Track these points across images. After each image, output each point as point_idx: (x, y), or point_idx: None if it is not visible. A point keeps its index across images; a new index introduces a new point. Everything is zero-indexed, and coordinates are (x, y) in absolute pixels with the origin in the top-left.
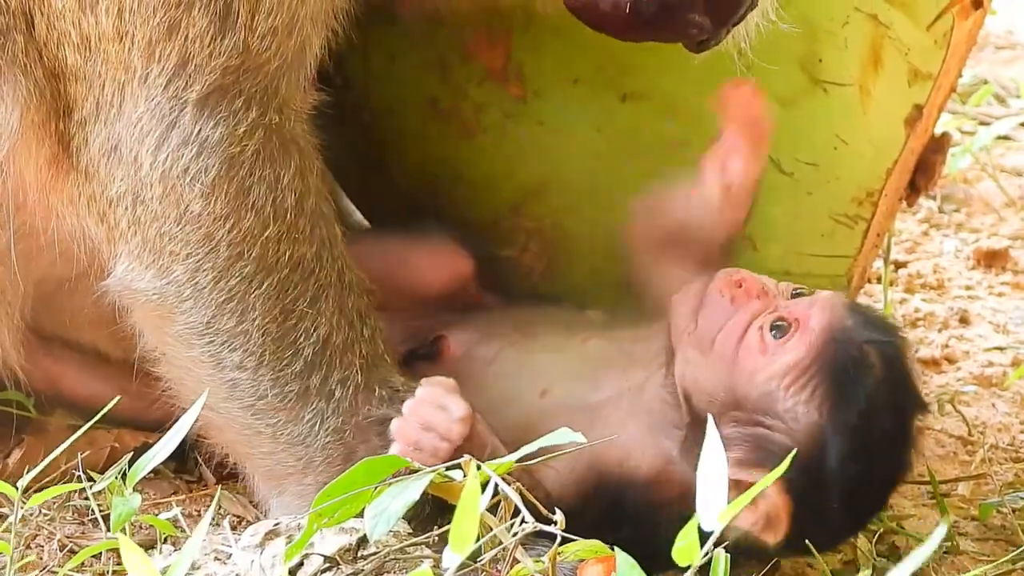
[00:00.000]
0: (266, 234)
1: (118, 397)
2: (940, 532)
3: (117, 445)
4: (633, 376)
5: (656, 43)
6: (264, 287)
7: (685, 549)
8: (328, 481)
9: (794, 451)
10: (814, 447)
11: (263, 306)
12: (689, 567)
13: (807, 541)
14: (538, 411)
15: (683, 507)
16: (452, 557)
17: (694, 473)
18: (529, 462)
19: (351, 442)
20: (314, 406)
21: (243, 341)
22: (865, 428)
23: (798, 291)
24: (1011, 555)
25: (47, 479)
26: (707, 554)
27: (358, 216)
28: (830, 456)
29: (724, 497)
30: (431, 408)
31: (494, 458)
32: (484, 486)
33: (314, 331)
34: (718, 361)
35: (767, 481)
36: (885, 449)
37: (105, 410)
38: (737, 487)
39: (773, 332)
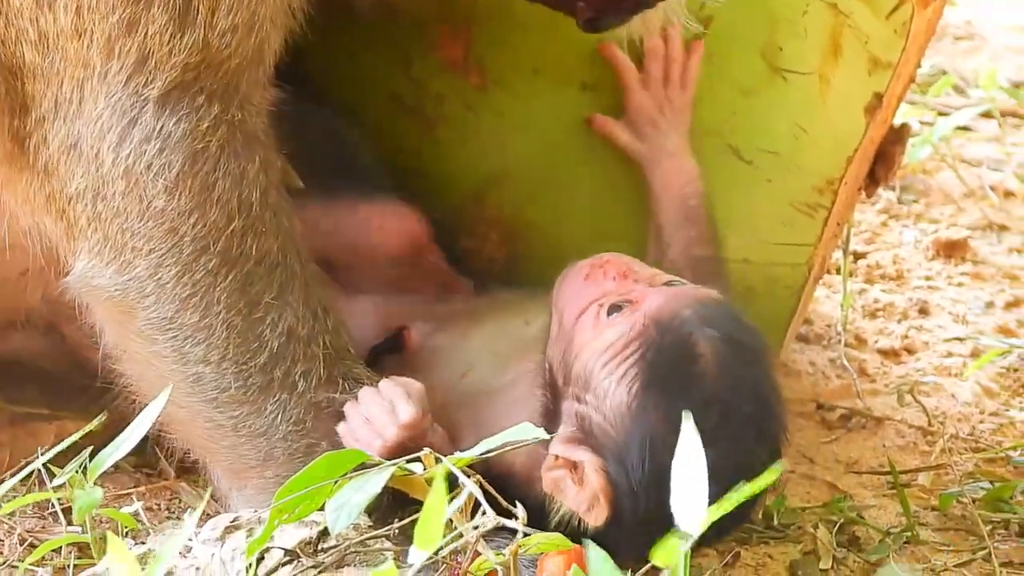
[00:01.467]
0: (231, 228)
1: (104, 413)
2: None
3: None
4: (534, 358)
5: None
6: (229, 280)
7: (664, 551)
8: (290, 475)
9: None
10: (622, 429)
11: (228, 299)
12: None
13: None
14: (456, 394)
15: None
16: (418, 554)
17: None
18: (489, 454)
19: (312, 435)
20: (277, 398)
21: (207, 335)
22: (677, 418)
23: (672, 282)
24: (971, 545)
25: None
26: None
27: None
28: (634, 441)
29: (704, 499)
30: (378, 405)
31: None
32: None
33: (280, 323)
34: (563, 335)
35: (744, 495)
36: (714, 444)
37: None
38: (571, 466)
39: (611, 312)
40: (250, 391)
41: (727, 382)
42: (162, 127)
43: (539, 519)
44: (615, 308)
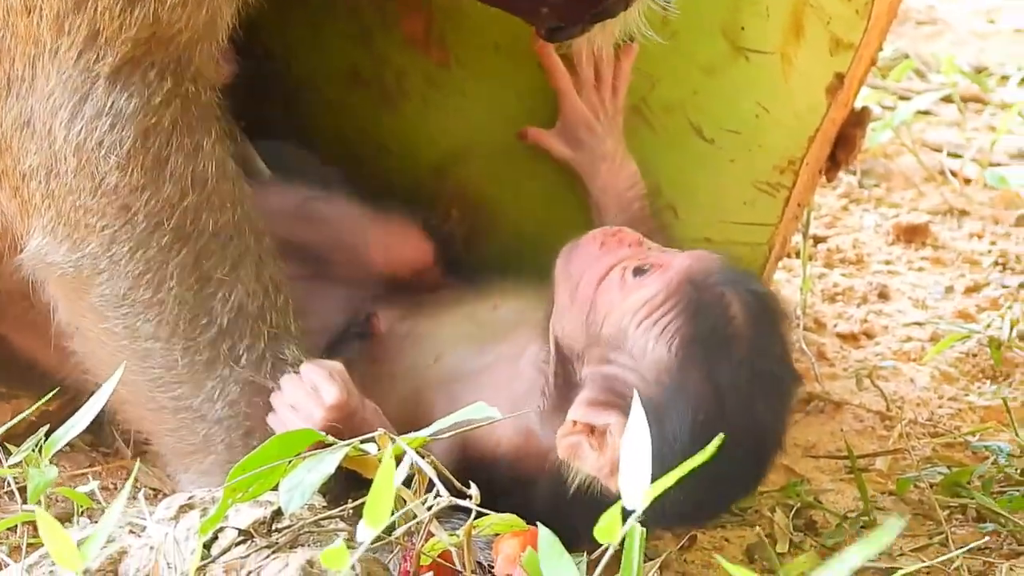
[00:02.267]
0: (185, 203)
1: (56, 388)
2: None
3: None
4: (516, 341)
5: None
6: (182, 256)
7: (607, 528)
8: (229, 461)
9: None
10: (661, 387)
11: (180, 275)
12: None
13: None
14: (429, 378)
15: (551, 477)
16: (366, 531)
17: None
18: (443, 435)
19: (247, 422)
20: (218, 374)
21: (158, 311)
22: (716, 376)
23: (682, 250)
24: (928, 530)
25: None
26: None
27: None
28: (678, 398)
29: (648, 475)
30: (302, 390)
31: None
32: (399, 460)
33: (231, 298)
34: (581, 301)
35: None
36: (740, 406)
37: (43, 401)
38: (589, 431)
39: (634, 273)
40: (195, 367)
41: (757, 343)
42: (113, 103)
43: (525, 500)
44: (639, 271)
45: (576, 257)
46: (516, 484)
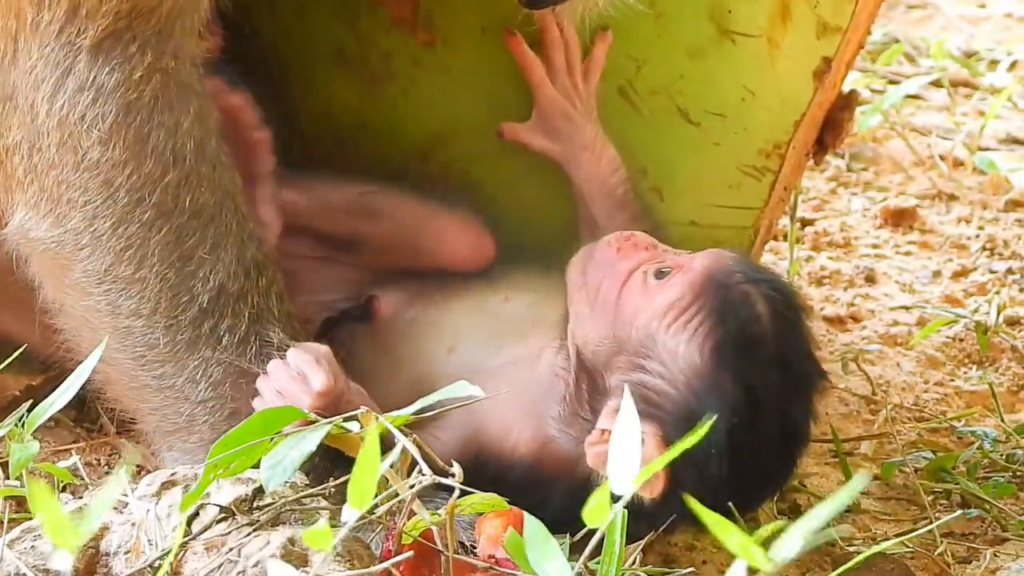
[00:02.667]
0: (166, 180)
1: (23, 346)
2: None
3: None
4: (532, 343)
5: None
6: (164, 233)
7: (595, 510)
8: (213, 440)
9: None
10: (694, 392)
11: (162, 252)
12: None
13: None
14: (443, 368)
15: (568, 481)
16: (351, 512)
17: (576, 444)
18: (426, 414)
19: (230, 403)
20: (200, 354)
21: (140, 288)
22: (749, 377)
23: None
24: (913, 515)
25: None
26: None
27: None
28: (713, 403)
29: (637, 461)
30: (289, 376)
31: None
32: (382, 439)
33: (212, 278)
34: (602, 309)
35: (686, 444)
36: (772, 405)
37: (12, 358)
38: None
39: (656, 275)
40: (177, 347)
41: (784, 340)
42: (95, 77)
43: (541, 503)
44: (661, 273)
45: (592, 264)
46: (532, 487)
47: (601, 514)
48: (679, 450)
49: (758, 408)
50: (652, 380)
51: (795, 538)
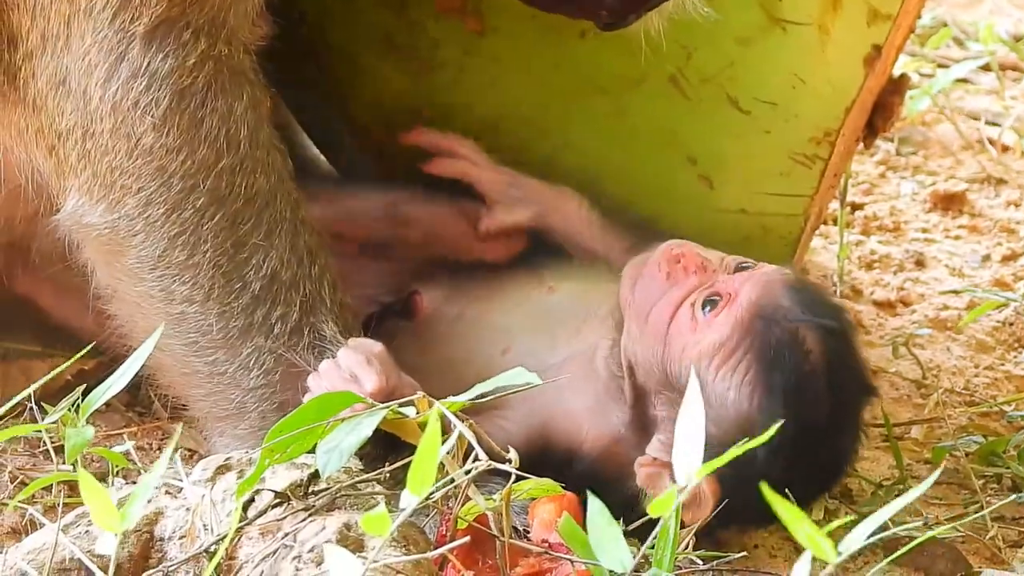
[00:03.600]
0: (220, 165)
1: (91, 344)
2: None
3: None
4: (585, 337)
5: None
6: (217, 219)
7: (662, 503)
8: (262, 427)
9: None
10: (743, 435)
11: (215, 239)
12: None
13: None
14: (499, 369)
15: (624, 485)
16: (410, 498)
17: (638, 452)
18: (483, 399)
19: (281, 394)
20: (254, 342)
21: (193, 274)
22: (800, 419)
23: (742, 265)
24: (963, 499)
25: None
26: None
27: (325, 163)
28: (762, 447)
29: (700, 453)
30: (340, 376)
31: None
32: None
33: (265, 265)
34: (652, 337)
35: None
36: (824, 434)
37: (83, 352)
38: (668, 467)
39: (705, 308)
40: (229, 334)
41: (835, 377)
42: (149, 63)
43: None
44: (709, 303)
45: (642, 285)
46: (593, 484)
47: (667, 505)
48: (731, 455)
49: (807, 445)
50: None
51: (862, 532)
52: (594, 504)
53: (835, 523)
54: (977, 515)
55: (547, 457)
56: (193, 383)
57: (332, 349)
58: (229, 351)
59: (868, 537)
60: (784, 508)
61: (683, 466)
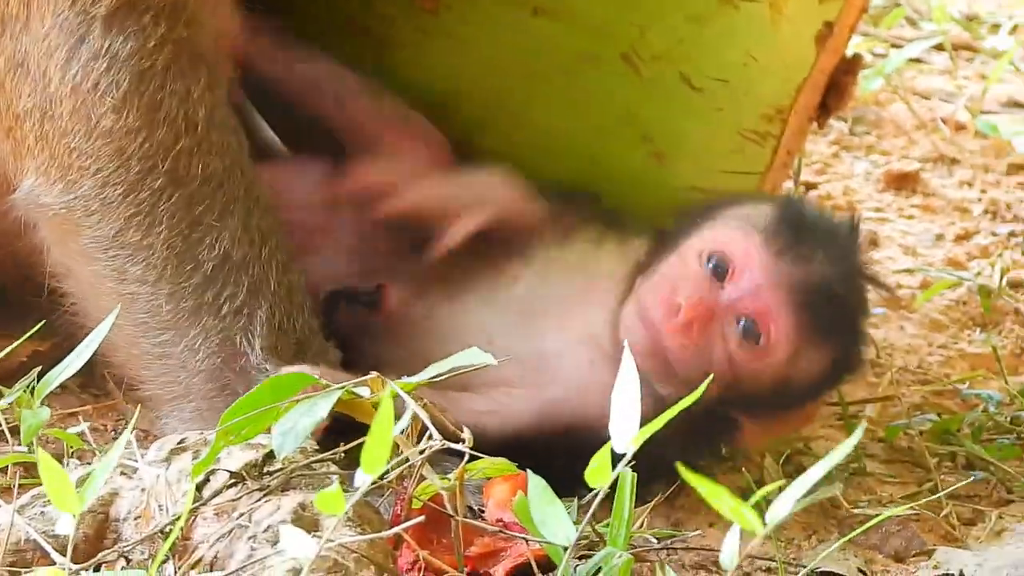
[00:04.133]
0: (178, 146)
1: (43, 321)
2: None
3: None
4: (574, 318)
5: None
6: (174, 200)
7: (597, 471)
8: (208, 410)
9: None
10: None
11: (171, 219)
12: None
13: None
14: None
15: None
16: (363, 477)
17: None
18: (438, 378)
19: (225, 369)
20: (202, 323)
21: (147, 255)
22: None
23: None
24: (918, 477)
25: None
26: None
27: (280, 146)
28: None
29: (636, 421)
30: None
31: None
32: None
33: (217, 245)
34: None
35: (685, 404)
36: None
37: (34, 331)
38: None
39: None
40: (179, 314)
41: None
42: (109, 46)
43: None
44: (748, 332)
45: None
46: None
47: (604, 474)
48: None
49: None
50: None
51: (788, 500)
52: (535, 481)
53: (761, 491)
54: (932, 495)
55: (548, 441)
56: (142, 364)
57: (261, 332)
58: (177, 332)
59: (797, 506)
60: (703, 483)
61: (620, 434)
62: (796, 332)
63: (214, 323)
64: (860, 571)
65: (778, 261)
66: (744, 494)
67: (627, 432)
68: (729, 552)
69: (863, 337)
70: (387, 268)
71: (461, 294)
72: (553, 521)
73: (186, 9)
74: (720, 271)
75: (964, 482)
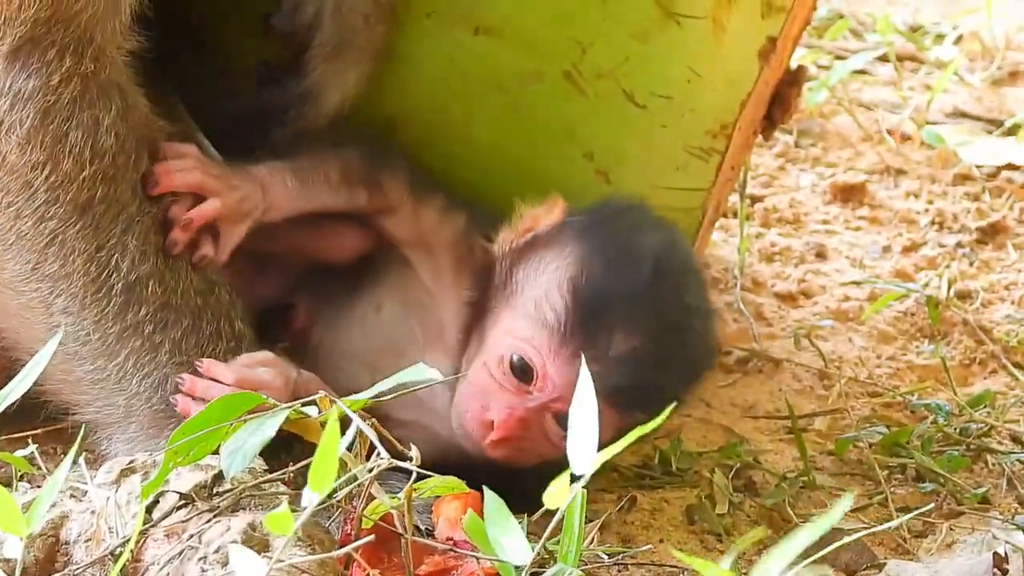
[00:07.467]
0: (82, 176)
1: None
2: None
3: None
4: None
5: None
6: (80, 226)
7: (557, 494)
8: (152, 427)
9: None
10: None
11: (81, 246)
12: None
13: None
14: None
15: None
16: (311, 496)
17: None
18: (383, 398)
19: (161, 387)
20: (130, 344)
21: (67, 285)
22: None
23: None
24: (868, 489)
25: None
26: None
27: (213, 152)
28: None
29: (595, 443)
30: (207, 386)
31: None
32: (343, 424)
33: (124, 264)
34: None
35: (647, 428)
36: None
37: None
38: None
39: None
40: (108, 340)
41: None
42: (12, 83)
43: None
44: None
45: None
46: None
47: (561, 497)
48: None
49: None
50: None
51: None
52: (491, 498)
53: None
54: (881, 506)
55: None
56: (78, 390)
57: (189, 344)
58: (108, 357)
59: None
60: (691, 560)
61: (578, 457)
62: (615, 415)
63: (141, 344)
64: None
65: (575, 363)
66: (691, 511)
67: (585, 454)
68: None
69: (695, 368)
70: (300, 286)
71: (338, 324)
72: (509, 539)
73: (92, 43)
74: (525, 376)
75: (914, 494)
